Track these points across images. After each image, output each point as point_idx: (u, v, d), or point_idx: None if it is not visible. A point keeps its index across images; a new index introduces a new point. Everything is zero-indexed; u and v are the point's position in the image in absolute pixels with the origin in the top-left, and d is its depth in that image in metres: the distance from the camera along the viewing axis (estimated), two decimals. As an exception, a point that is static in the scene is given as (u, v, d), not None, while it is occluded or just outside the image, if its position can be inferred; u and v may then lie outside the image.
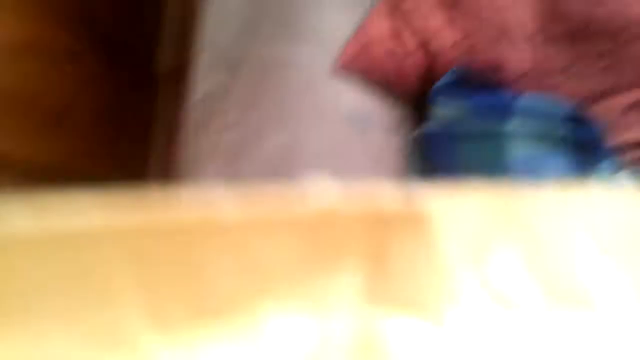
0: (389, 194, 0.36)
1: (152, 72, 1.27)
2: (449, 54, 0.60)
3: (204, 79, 0.70)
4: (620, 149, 0.60)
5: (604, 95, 0.60)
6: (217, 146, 0.66)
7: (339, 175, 0.62)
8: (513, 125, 0.58)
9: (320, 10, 0.67)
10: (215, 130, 0.66)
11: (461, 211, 0.36)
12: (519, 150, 0.58)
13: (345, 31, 0.66)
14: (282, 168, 0.63)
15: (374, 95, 0.65)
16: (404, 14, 0.62)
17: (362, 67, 0.63)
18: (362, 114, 0.64)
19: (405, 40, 0.61)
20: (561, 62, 0.61)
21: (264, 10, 0.69)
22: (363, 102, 0.65)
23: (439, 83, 0.62)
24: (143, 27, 1.23)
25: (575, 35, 0.59)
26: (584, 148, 0.58)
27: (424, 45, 0.61)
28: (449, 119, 0.62)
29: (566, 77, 0.60)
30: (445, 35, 0.60)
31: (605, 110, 0.59)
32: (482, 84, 0.61)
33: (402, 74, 0.62)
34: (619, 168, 0.59)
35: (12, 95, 0.84)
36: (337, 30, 0.66)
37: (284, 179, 0.61)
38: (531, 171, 0.57)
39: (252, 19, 0.69)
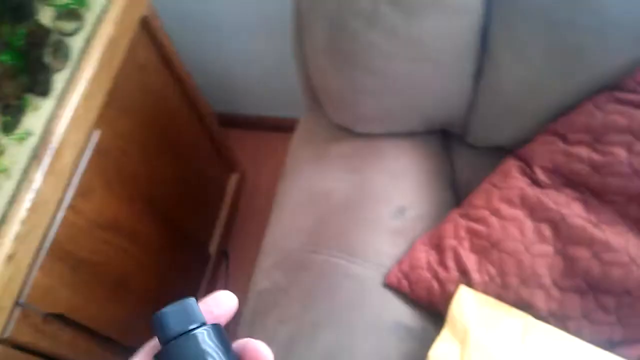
0: None
1: (202, 255, 1.39)
2: (485, 287, 0.71)
3: (267, 274, 0.81)
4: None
5: (618, 344, 0.68)
6: (273, 337, 0.73)
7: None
8: None
9: (374, 235, 0.80)
10: (273, 322, 0.74)
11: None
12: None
13: (394, 254, 0.78)
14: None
15: (415, 310, 0.75)
16: (446, 250, 0.74)
17: (408, 285, 0.74)
18: (405, 325, 0.73)
19: (449, 268, 0.72)
20: (580, 310, 0.70)
21: (326, 227, 0.82)
22: (406, 315, 0.74)
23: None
24: (201, 216, 1.40)
25: (592, 288, 0.69)
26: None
27: (465, 275, 0.71)
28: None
29: (587, 322, 0.69)
30: (481, 270, 0.71)
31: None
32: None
33: (445, 296, 0.72)
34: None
35: (86, 261, 0.95)
36: (386, 252, 0.78)
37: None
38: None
39: (313, 233, 0.82)
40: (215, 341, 0.30)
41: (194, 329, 0.30)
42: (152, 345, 0.32)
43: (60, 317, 0.91)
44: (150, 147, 1.12)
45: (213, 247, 1.43)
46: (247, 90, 1.51)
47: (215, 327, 0.31)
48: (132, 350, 0.34)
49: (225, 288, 1.25)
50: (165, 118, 1.18)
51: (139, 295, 1.12)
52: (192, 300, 0.31)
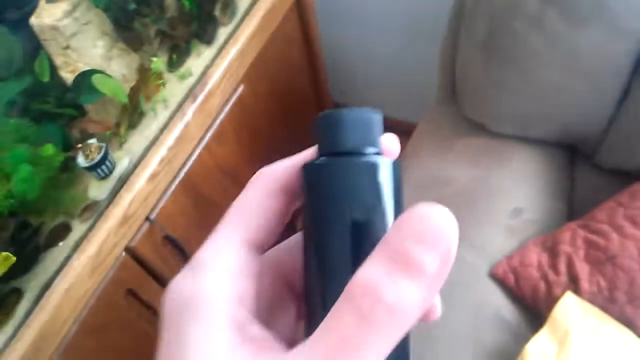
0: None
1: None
2: (591, 297, 0.73)
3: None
4: None
5: None
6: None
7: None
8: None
9: (488, 227, 0.83)
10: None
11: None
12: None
13: (503, 249, 0.81)
14: (426, 335, 0.73)
15: (515, 305, 0.77)
16: (560, 254, 0.76)
17: (514, 280, 0.77)
18: (504, 318, 0.76)
19: (560, 272, 0.74)
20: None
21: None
22: (505, 308, 0.77)
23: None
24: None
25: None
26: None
27: (574, 282, 0.74)
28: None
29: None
30: (592, 280, 0.73)
31: None
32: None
33: (550, 298, 0.74)
34: None
35: (206, 199, 1.04)
36: (497, 246, 0.82)
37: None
38: None
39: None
40: (394, 181, 0.21)
41: (373, 154, 0.22)
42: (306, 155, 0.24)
43: (174, 243, 1.00)
44: (275, 114, 1.20)
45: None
46: (364, 85, 1.58)
47: (397, 165, 0.22)
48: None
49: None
50: (294, 92, 1.27)
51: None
52: (379, 114, 0.23)
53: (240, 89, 1.03)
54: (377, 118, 0.23)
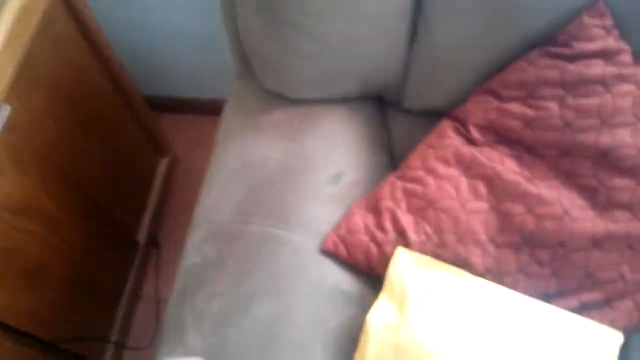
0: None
1: (129, 243, 1.31)
2: (422, 246, 0.70)
3: (197, 250, 0.76)
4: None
5: (553, 296, 0.69)
6: (203, 313, 0.69)
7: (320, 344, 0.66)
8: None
9: (310, 202, 0.77)
10: (203, 297, 0.70)
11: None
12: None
13: (330, 220, 0.76)
14: (268, 336, 0.66)
15: (354, 275, 0.73)
16: (383, 212, 0.72)
17: (346, 249, 0.72)
18: (344, 291, 0.71)
19: (386, 230, 0.70)
20: (515, 265, 0.70)
21: (260, 196, 0.78)
22: (344, 281, 0.72)
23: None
24: (128, 201, 1.32)
25: (526, 242, 0.70)
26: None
27: (402, 236, 0.70)
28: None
29: (522, 277, 0.69)
30: (418, 230, 0.70)
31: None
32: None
33: (383, 259, 0.70)
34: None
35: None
36: (323, 219, 0.76)
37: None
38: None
39: (247, 203, 0.78)
40: None
41: None
42: None
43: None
44: (69, 124, 1.04)
45: (142, 235, 1.36)
46: (180, 72, 1.45)
47: None
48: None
49: (156, 278, 1.19)
50: (86, 95, 1.10)
51: (58, 285, 1.04)
52: None
53: (6, 110, 0.86)
54: None
